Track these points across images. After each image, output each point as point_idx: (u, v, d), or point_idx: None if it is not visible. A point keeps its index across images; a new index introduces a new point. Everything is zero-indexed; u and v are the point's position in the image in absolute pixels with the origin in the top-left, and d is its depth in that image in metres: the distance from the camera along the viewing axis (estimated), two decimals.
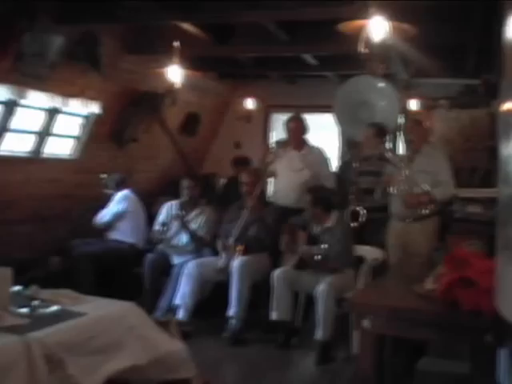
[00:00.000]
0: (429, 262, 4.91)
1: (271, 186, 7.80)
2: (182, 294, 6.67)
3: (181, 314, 6.57)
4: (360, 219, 6.80)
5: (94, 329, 3.67)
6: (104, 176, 7.71)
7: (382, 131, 7.08)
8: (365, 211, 6.77)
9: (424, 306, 3.59)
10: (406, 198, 6.13)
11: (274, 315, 6.32)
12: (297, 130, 7.46)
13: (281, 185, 7.41)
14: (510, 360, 2.91)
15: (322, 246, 6.16)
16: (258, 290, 6.74)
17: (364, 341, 3.70)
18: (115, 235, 7.64)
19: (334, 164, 8.55)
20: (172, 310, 6.63)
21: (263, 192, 7.21)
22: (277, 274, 6.38)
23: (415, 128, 6.57)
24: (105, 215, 7.62)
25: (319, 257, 6.12)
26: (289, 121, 7.57)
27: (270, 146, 8.14)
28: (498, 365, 3.48)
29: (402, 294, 3.91)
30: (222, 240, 7.06)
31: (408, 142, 6.65)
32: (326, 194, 6.71)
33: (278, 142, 7.64)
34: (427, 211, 6.00)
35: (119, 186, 7.69)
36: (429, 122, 8.52)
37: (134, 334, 3.87)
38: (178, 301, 6.66)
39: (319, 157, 7.45)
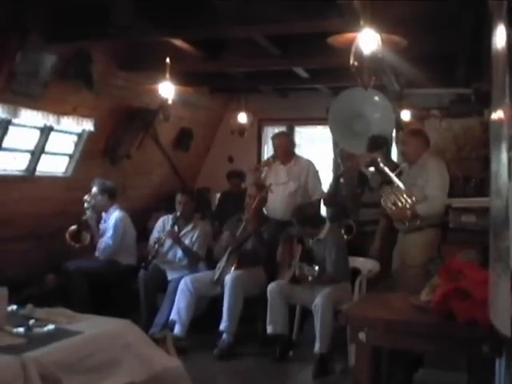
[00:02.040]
0: (424, 272, 4.90)
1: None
2: (178, 309, 6.66)
3: (176, 330, 6.57)
4: (352, 233, 6.86)
5: (90, 347, 3.66)
6: (87, 198, 7.41)
7: (380, 143, 7.08)
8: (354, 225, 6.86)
9: (420, 318, 3.58)
10: (391, 212, 6.12)
11: (269, 329, 6.32)
12: (282, 146, 7.60)
13: (269, 199, 7.43)
14: (507, 370, 2.91)
15: (314, 266, 6.17)
16: (254, 304, 6.74)
17: (360, 353, 3.69)
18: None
19: (328, 177, 8.59)
20: (168, 325, 6.61)
21: (263, 203, 7.22)
22: (272, 287, 6.38)
23: (411, 139, 6.52)
24: (107, 243, 7.39)
25: (310, 278, 6.14)
26: (274, 137, 7.76)
27: (256, 165, 8.19)
28: (495, 375, 3.48)
29: (397, 305, 3.90)
30: (219, 252, 7.08)
31: (403, 154, 6.61)
32: (310, 212, 6.73)
33: (268, 159, 7.75)
34: (417, 223, 5.97)
35: (110, 195, 7.50)
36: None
37: (131, 352, 3.87)
38: (173, 316, 6.66)
39: (305, 168, 7.54)
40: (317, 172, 7.63)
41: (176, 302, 6.71)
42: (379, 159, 6.32)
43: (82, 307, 5.97)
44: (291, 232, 6.71)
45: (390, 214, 6.15)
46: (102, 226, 7.49)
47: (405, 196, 5.93)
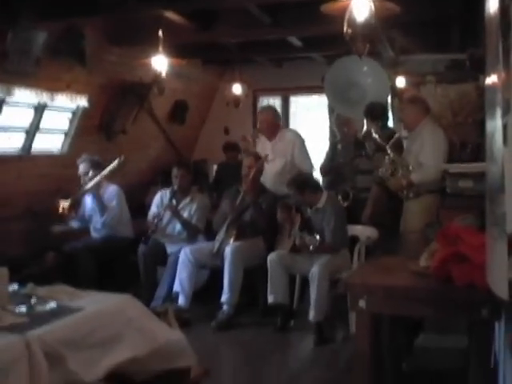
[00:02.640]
0: (423, 238, 4.92)
1: None
2: (180, 280, 6.70)
3: (180, 301, 6.60)
4: (349, 199, 6.87)
5: (93, 323, 3.68)
6: (84, 174, 7.39)
7: (377, 110, 7.06)
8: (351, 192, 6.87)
9: (419, 283, 3.60)
10: (388, 182, 6.14)
11: (270, 299, 6.36)
12: (267, 121, 7.61)
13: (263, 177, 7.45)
14: (506, 333, 2.93)
15: (315, 235, 6.18)
16: (254, 274, 6.77)
17: (360, 321, 3.71)
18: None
19: (325, 145, 8.58)
20: (171, 298, 6.64)
21: (259, 177, 7.20)
22: (272, 257, 6.41)
23: (408, 106, 6.52)
24: (114, 214, 7.44)
25: (312, 247, 6.15)
26: (259, 112, 7.75)
27: (244, 135, 8.21)
28: (495, 338, 3.51)
29: (396, 272, 3.91)
30: (218, 224, 7.09)
31: (401, 122, 6.60)
32: (306, 177, 6.78)
33: (253, 133, 7.78)
34: (414, 190, 6.01)
35: (96, 168, 7.41)
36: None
37: (133, 326, 3.89)
38: (176, 288, 6.69)
39: (291, 143, 7.51)
40: (303, 145, 7.59)
41: (178, 273, 6.75)
42: (373, 132, 6.33)
43: (90, 285, 6.03)
44: (288, 201, 6.72)
45: (387, 185, 6.18)
46: (89, 201, 7.52)
47: (401, 165, 5.96)
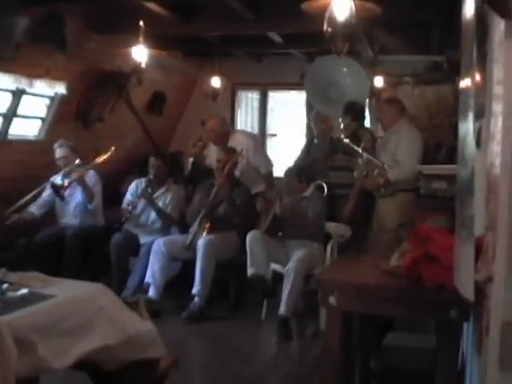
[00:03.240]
0: (395, 237, 4.96)
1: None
2: (152, 271, 6.71)
3: (151, 292, 6.61)
4: (324, 193, 6.93)
5: (64, 311, 3.67)
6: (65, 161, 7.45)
7: (355, 109, 7.11)
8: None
9: (389, 283, 3.62)
10: (364, 182, 6.22)
11: (250, 271, 6.35)
12: (214, 131, 7.72)
13: None
14: (474, 334, 2.98)
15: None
16: (226, 268, 6.80)
17: (330, 317, 3.73)
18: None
19: (300, 141, 8.61)
20: (142, 289, 6.65)
21: (234, 172, 7.22)
22: (251, 235, 6.47)
23: (386, 107, 6.59)
24: (98, 203, 7.57)
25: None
26: (206, 122, 7.76)
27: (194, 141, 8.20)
28: (463, 338, 3.56)
29: (367, 270, 3.94)
30: (191, 216, 7.11)
31: (378, 121, 6.67)
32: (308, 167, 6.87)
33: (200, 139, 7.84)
34: (387, 192, 6.10)
35: (74, 154, 7.49)
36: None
37: (104, 315, 3.89)
38: (148, 279, 6.70)
39: (243, 146, 7.43)
40: (257, 145, 7.61)
41: (150, 264, 6.76)
42: (344, 137, 6.44)
43: (76, 273, 6.06)
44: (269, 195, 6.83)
45: (363, 185, 6.25)
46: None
47: (375, 165, 6.03)
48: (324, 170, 7.15)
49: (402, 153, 6.21)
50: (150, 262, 6.77)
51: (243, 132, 7.72)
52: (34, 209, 7.45)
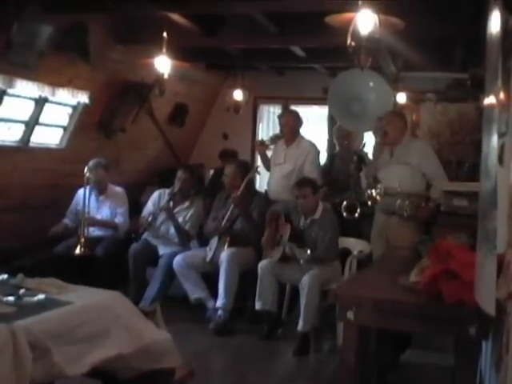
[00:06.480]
0: (414, 254, 4.93)
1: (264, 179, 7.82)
2: (191, 291, 6.78)
3: (218, 303, 6.64)
4: (357, 212, 6.77)
5: (80, 318, 3.67)
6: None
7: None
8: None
9: (408, 299, 3.59)
10: (421, 214, 6.08)
11: (258, 305, 6.37)
12: (288, 125, 7.47)
13: (269, 179, 7.46)
14: (493, 352, 2.94)
15: (306, 249, 6.19)
16: (244, 281, 6.77)
17: (347, 332, 3.71)
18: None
19: (323, 156, 8.58)
20: (157, 299, 6.60)
21: (250, 185, 7.20)
22: (263, 264, 6.42)
23: (394, 119, 6.53)
24: (126, 220, 7.60)
25: (302, 261, 6.17)
26: (281, 115, 7.63)
27: (261, 140, 8.14)
28: (482, 357, 3.51)
29: (386, 286, 3.91)
30: (209, 231, 7.09)
31: (384, 135, 6.57)
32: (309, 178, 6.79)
33: (273, 137, 7.65)
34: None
35: (106, 171, 7.54)
36: (415, 115, 8.53)
37: (120, 323, 3.88)
38: (194, 299, 6.79)
39: (305, 152, 7.38)
40: (317, 157, 7.47)
41: (185, 285, 6.79)
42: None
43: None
44: (277, 208, 6.70)
45: (420, 217, 6.13)
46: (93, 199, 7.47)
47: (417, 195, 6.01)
48: (355, 188, 7.06)
49: (432, 168, 6.17)
50: (182, 283, 6.80)
51: (309, 140, 7.62)
52: (67, 220, 7.48)
